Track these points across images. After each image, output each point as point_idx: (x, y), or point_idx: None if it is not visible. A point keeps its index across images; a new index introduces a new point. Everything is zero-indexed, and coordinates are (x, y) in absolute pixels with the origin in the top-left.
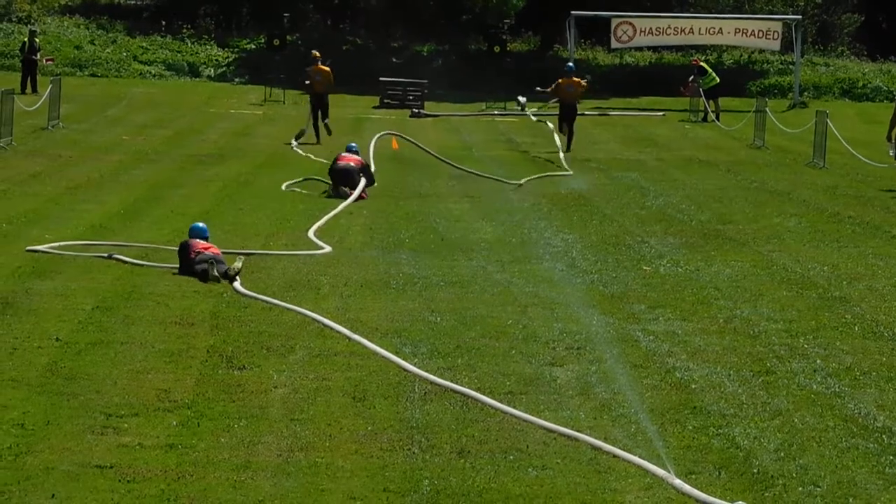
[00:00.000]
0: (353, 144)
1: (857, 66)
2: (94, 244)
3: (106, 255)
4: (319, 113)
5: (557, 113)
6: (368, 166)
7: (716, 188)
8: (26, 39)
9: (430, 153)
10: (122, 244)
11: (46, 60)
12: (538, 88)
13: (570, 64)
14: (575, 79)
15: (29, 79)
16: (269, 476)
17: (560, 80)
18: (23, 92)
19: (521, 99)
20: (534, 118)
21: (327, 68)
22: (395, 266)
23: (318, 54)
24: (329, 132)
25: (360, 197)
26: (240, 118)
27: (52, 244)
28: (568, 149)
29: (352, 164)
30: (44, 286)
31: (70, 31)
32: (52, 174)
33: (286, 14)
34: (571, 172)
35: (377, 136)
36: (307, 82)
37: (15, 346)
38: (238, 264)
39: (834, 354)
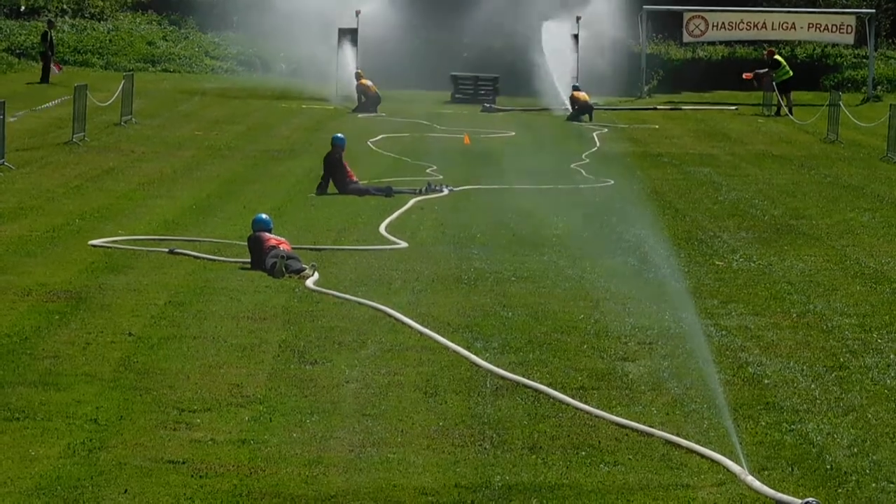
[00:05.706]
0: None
1: None
2: (155, 239)
3: (167, 249)
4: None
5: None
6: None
7: (789, 183)
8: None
9: None
10: (175, 237)
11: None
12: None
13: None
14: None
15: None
16: (340, 471)
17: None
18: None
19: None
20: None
21: (368, 82)
22: (467, 261)
23: (361, 72)
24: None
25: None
26: (311, 114)
27: (111, 238)
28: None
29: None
30: (117, 281)
31: (142, 27)
32: (125, 170)
33: (358, 10)
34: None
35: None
36: (363, 99)
37: (88, 341)
38: (309, 271)
39: None
